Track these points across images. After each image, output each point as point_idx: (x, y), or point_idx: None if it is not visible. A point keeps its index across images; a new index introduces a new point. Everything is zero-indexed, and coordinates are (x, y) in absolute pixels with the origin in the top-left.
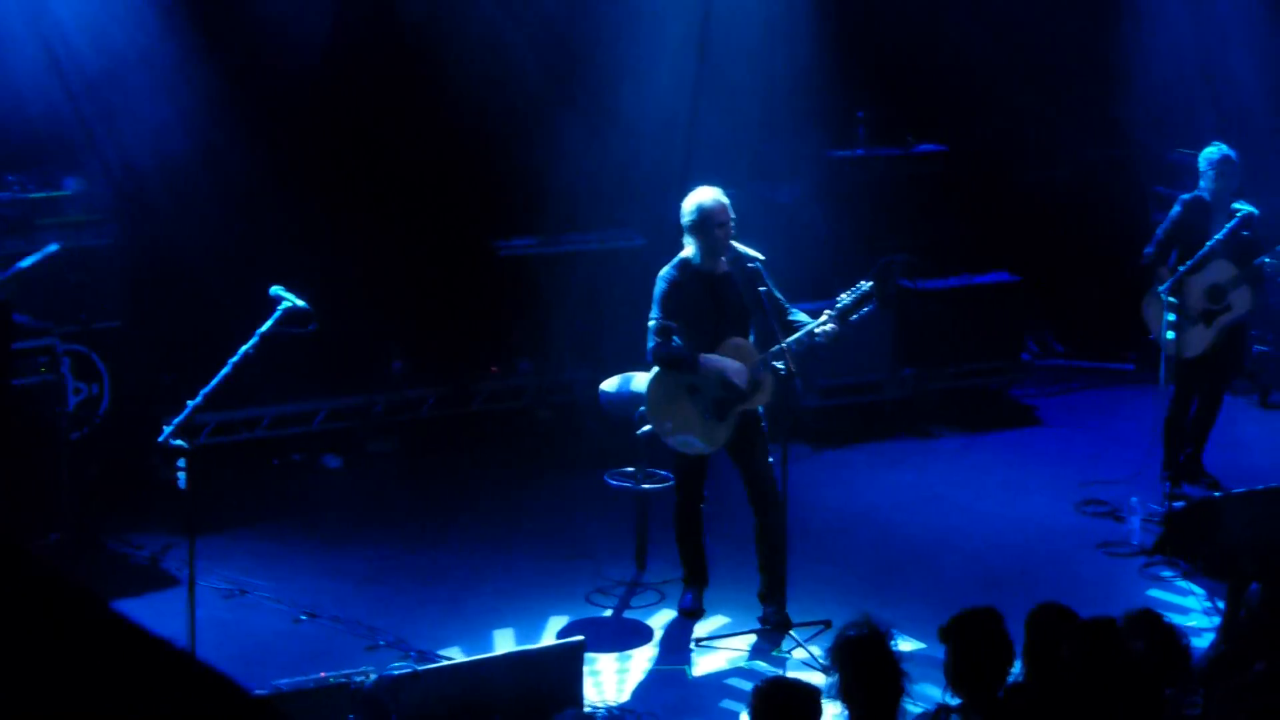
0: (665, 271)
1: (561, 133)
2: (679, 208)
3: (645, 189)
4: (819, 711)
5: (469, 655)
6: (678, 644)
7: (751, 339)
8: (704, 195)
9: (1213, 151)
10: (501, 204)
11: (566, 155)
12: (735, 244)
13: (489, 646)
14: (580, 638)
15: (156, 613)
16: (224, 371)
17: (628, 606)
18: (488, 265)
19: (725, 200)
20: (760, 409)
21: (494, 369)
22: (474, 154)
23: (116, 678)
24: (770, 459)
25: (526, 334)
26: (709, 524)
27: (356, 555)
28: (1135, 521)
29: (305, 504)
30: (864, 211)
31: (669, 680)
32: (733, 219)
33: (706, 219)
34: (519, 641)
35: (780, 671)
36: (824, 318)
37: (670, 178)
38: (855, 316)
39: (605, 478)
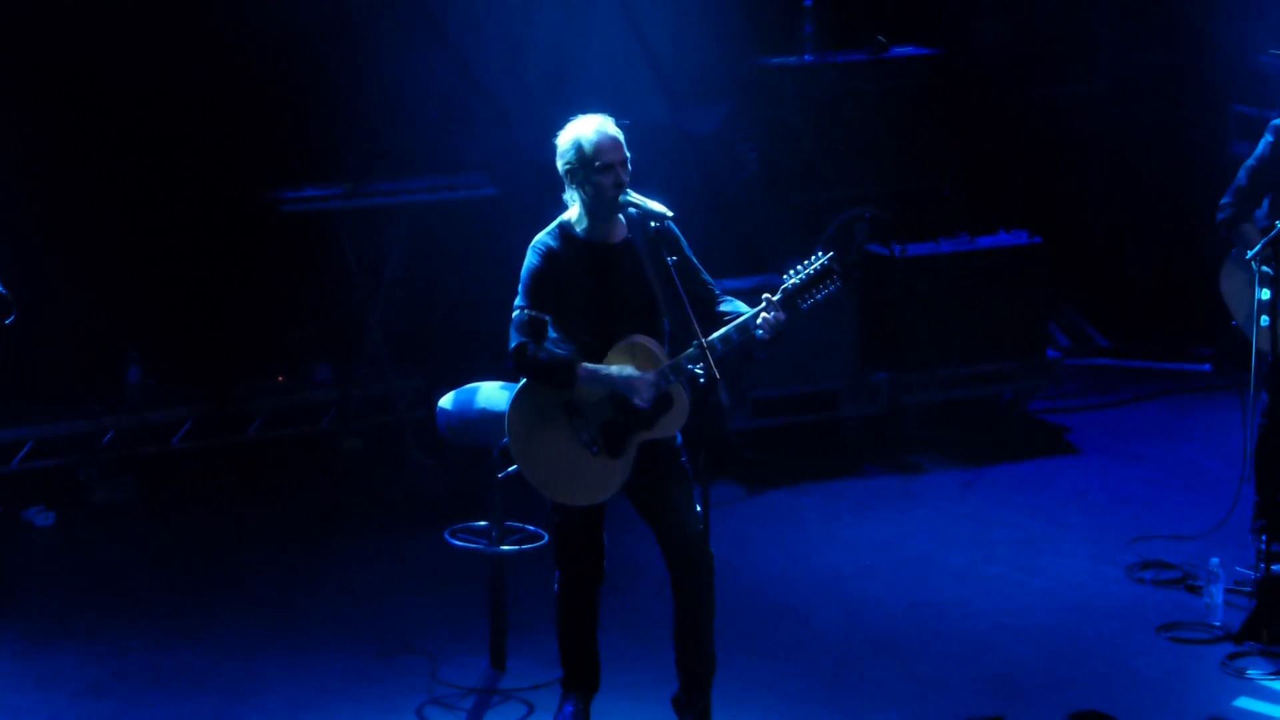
0: (539, 240)
1: (375, 41)
2: (550, 144)
3: (499, 115)
4: None
5: None
6: None
7: (667, 342)
8: (584, 128)
9: None
10: (287, 141)
11: (382, 71)
12: (633, 196)
13: None
14: None
15: None
16: None
17: None
18: (266, 226)
19: (617, 133)
20: (679, 436)
21: (279, 378)
22: (246, 75)
23: None
24: (696, 506)
25: (325, 325)
26: (604, 599)
27: (76, 653)
28: (1217, 593)
29: (1, 580)
30: (814, 145)
31: None
32: (628, 158)
33: (588, 161)
34: None
35: None
36: (764, 303)
37: (536, 100)
38: (810, 301)
39: (446, 536)
